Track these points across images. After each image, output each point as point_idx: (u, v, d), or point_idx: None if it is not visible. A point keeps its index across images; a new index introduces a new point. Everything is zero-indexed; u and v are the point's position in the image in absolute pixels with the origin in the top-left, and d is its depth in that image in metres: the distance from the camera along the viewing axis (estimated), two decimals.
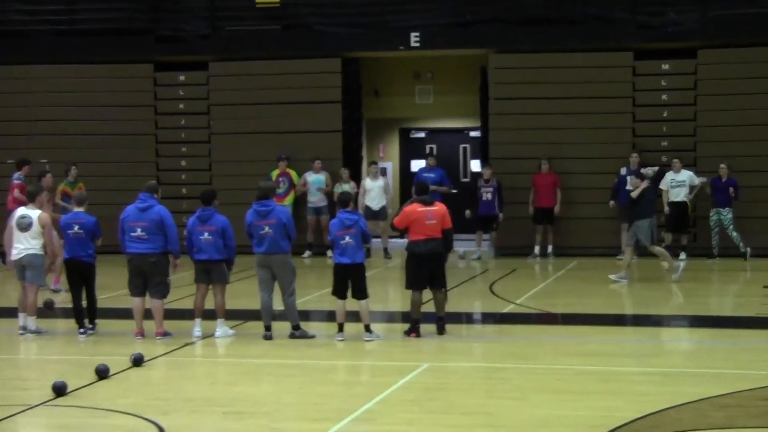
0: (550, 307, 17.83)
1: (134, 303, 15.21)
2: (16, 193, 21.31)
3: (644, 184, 19.87)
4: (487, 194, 23.86)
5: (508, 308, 17.73)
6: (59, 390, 11.74)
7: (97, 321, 15.61)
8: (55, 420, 11.10)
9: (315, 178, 24.78)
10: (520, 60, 24.84)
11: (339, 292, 14.88)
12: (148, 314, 15.15)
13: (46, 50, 26.16)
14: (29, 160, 22.89)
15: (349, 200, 15.31)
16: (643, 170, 20.70)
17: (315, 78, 25.49)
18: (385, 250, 24.16)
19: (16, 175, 22.03)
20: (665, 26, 24.22)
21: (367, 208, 24.10)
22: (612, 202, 23.59)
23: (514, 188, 24.22)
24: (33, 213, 15.64)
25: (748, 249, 22.79)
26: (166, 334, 15.09)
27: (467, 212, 23.66)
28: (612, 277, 20.14)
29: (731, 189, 22.80)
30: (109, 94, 26.10)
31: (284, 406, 11.37)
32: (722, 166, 23.02)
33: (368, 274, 15.22)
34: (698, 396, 11.34)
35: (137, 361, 13.30)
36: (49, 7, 26.67)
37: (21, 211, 15.85)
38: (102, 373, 12.56)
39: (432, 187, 17.76)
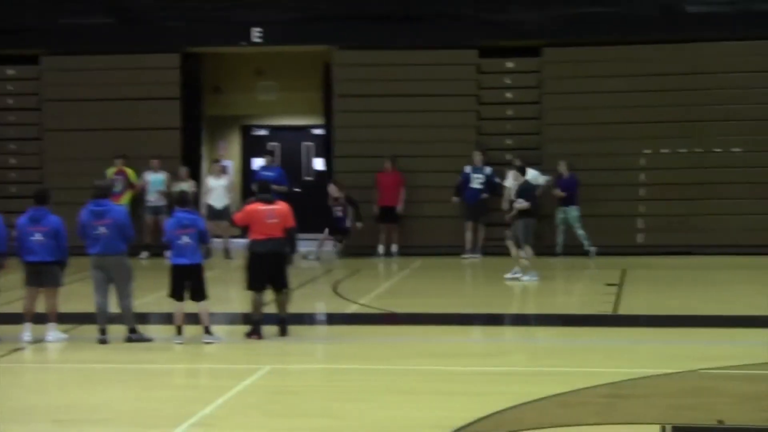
0: (394, 307, 17.74)
1: None
2: None
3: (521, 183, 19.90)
4: (337, 212, 23.60)
5: (352, 309, 17.59)
6: None
7: None
8: None
9: (154, 178, 24.25)
10: (364, 57, 24.67)
11: (177, 294, 14.55)
12: None
13: None
14: None
15: (186, 199, 15.03)
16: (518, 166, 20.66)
17: (153, 74, 24.96)
18: (227, 250, 23.75)
19: None
20: (509, 24, 24.33)
21: (210, 207, 23.72)
22: (456, 199, 23.57)
23: (358, 187, 24.00)
24: None
25: (593, 248, 22.99)
26: None
27: (326, 231, 23.48)
28: (508, 276, 20.04)
29: (573, 187, 22.98)
30: None
31: (120, 413, 11.06)
32: (561, 163, 23.17)
33: (209, 274, 14.97)
34: (541, 395, 11.34)
35: None
36: None
37: None
38: None
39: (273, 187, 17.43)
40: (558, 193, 22.74)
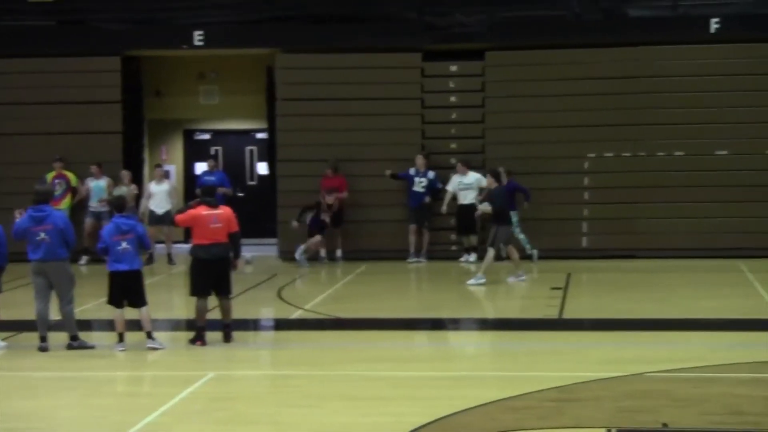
0: (339, 312, 17.64)
1: None
2: None
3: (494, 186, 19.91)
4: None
5: (296, 314, 17.48)
6: None
7: None
8: None
9: (96, 185, 23.97)
10: (307, 60, 24.55)
11: (116, 301, 14.44)
12: None
13: None
14: None
15: (124, 204, 14.96)
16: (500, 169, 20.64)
17: (93, 77, 24.68)
18: (169, 255, 23.52)
19: None
20: (453, 27, 24.32)
21: (152, 213, 23.50)
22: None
23: (301, 191, 23.84)
24: None
25: (536, 251, 23.02)
26: None
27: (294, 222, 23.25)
28: (510, 279, 20.13)
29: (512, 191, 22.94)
30: None
31: (62, 421, 10.96)
32: (500, 169, 23.02)
33: (152, 280, 14.88)
34: (487, 399, 11.35)
35: None
36: None
37: None
38: None
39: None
40: (484, 208, 22.38)
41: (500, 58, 24.26)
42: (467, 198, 23.08)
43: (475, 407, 11.02)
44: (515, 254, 20.29)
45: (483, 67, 24.39)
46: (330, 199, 23.10)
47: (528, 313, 17.74)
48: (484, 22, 24.21)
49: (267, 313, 18.35)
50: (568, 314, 17.09)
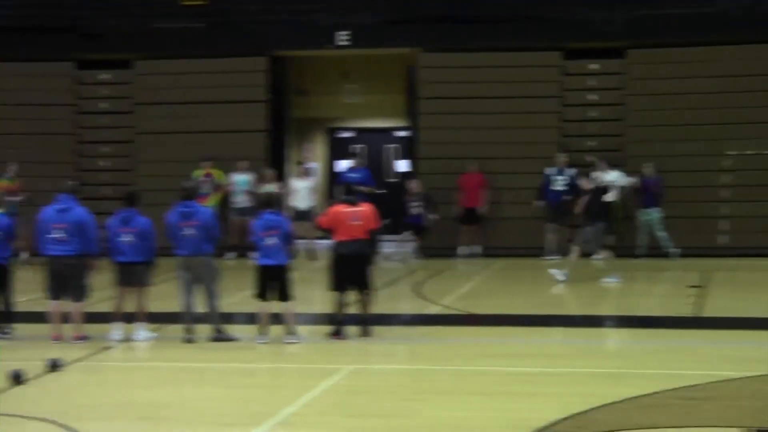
0: (476, 308, 17.75)
1: (51, 306, 14.87)
2: None
3: (588, 193, 19.84)
4: (414, 209, 23.72)
5: (434, 309, 17.63)
6: None
7: (14, 325, 15.25)
8: None
9: (240, 179, 24.54)
10: (449, 59, 24.77)
11: (262, 294, 14.69)
12: (66, 318, 14.83)
13: None
14: None
15: (272, 201, 15.19)
16: (594, 173, 20.68)
17: (241, 77, 25.28)
18: (311, 251, 23.94)
19: None
20: (593, 26, 24.27)
21: (294, 209, 23.89)
22: (539, 202, 23.59)
23: (441, 188, 24.11)
24: None
25: (674, 249, 22.85)
26: (84, 337, 14.77)
27: (385, 221, 23.48)
28: (553, 271, 20.10)
29: (657, 189, 22.88)
30: (29, 92, 25.67)
31: (205, 411, 11.15)
32: (647, 165, 23.10)
33: (293, 275, 15.04)
34: (622, 396, 11.28)
35: (54, 366, 12.97)
36: None
37: None
38: (16, 379, 12.22)
39: (358, 188, 17.61)
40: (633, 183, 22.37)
41: (641, 55, 24.15)
42: (607, 196, 22.98)
43: (607, 404, 10.96)
44: (576, 255, 20.07)
45: (623, 64, 24.30)
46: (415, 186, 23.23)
47: (664, 311, 17.60)
48: (625, 20, 24.11)
49: (404, 308, 18.43)
50: (705, 312, 16.96)
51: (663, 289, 20.16)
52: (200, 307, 14.94)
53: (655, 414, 10.84)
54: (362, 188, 22.42)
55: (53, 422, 10.58)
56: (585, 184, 20.07)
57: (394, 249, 23.73)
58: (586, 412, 10.74)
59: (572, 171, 23.54)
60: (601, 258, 20.25)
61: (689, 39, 23.91)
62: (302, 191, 24.19)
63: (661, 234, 22.93)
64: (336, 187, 18.43)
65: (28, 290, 17.19)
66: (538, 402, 11.24)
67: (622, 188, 23.05)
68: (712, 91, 23.73)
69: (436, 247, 24.14)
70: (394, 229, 23.80)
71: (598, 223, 19.75)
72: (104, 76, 25.87)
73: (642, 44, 24.13)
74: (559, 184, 23.47)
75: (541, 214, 23.79)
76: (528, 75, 24.52)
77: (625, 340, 15.46)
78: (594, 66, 24.55)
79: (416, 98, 25.17)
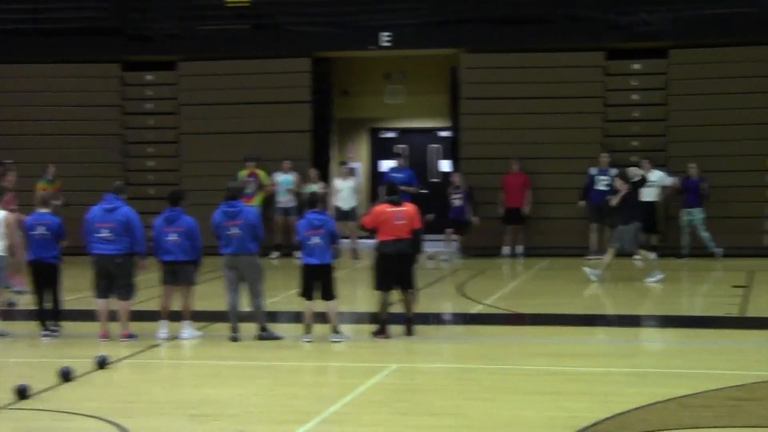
0: (519, 307, 17.79)
1: (99, 304, 15.04)
2: None
3: (625, 189, 19.78)
4: (457, 200, 23.78)
5: (477, 309, 17.67)
6: (22, 393, 11.57)
7: (62, 323, 15.44)
8: (18, 423, 10.91)
9: (284, 179, 24.68)
10: (491, 60, 24.80)
11: (307, 293, 14.78)
12: (113, 316, 14.99)
13: (13, 50, 25.95)
14: None
15: (317, 201, 15.23)
16: (628, 170, 20.63)
17: (285, 78, 25.40)
18: (354, 250, 24.06)
19: None
20: (636, 26, 24.23)
21: (337, 209, 24.01)
22: (582, 202, 23.59)
23: (484, 188, 24.17)
24: None
25: (719, 249, 22.78)
26: (131, 335, 14.94)
27: (428, 216, 23.55)
28: (587, 270, 20.09)
29: (702, 189, 22.82)
30: (76, 94, 25.96)
31: (251, 408, 11.24)
32: (692, 166, 23.06)
33: (337, 274, 15.13)
34: (666, 396, 11.29)
35: (101, 364, 13.14)
36: (15, 6, 26.44)
37: None
38: (65, 376, 12.40)
39: (401, 188, 17.66)
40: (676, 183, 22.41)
41: (684, 55, 24.08)
42: (650, 195, 22.97)
43: (652, 404, 10.97)
44: (611, 255, 20.03)
45: (666, 65, 24.25)
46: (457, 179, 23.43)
47: (709, 311, 17.57)
48: (668, 20, 24.04)
49: (448, 307, 18.51)
50: (750, 312, 16.90)
51: (707, 289, 20.11)
52: (245, 305, 15.03)
53: (698, 414, 10.84)
54: (407, 189, 22.56)
55: (102, 419, 10.73)
56: (620, 185, 20.01)
57: (437, 249, 23.76)
58: (629, 411, 10.75)
59: (615, 171, 23.49)
60: (640, 258, 20.21)
61: (732, 39, 23.80)
62: (345, 191, 24.30)
63: (705, 234, 22.86)
64: (380, 187, 18.52)
65: (77, 288, 17.43)
66: (582, 401, 11.26)
67: (663, 188, 23.01)
68: (755, 90, 23.64)
69: (479, 246, 24.20)
70: (437, 227, 23.84)
71: (633, 222, 19.71)
72: (149, 77, 26.07)
73: (685, 44, 24.06)
74: (602, 184, 23.43)
75: (585, 214, 23.76)
76: (570, 75, 24.50)
77: (668, 340, 15.43)
78: (636, 66, 24.51)
79: (459, 99, 25.22)
